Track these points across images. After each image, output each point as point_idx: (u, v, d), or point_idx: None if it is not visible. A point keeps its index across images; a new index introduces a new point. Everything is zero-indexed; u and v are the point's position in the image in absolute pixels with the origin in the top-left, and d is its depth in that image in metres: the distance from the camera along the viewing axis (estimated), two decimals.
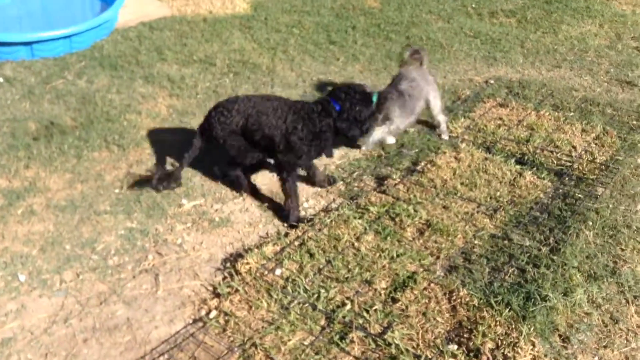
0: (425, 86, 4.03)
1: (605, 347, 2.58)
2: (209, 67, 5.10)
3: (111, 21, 5.59)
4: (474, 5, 6.81)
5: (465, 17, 6.46)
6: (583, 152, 3.92)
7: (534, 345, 2.50)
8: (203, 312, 2.77)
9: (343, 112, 3.32)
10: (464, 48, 5.71)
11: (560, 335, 2.61)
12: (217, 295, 2.86)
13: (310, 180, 3.65)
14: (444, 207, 3.42)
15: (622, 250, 3.14)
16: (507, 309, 2.67)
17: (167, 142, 4.02)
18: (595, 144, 4.02)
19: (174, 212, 3.44)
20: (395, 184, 3.63)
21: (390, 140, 4.07)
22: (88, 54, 5.22)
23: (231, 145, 3.42)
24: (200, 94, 4.66)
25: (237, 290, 2.85)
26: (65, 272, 2.95)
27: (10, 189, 3.48)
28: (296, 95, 4.72)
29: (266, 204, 3.54)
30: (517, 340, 2.51)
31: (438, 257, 3.07)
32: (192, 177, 3.73)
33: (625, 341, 2.61)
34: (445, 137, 4.13)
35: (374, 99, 3.42)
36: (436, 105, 4.10)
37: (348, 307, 2.75)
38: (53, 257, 3.02)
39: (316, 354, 2.53)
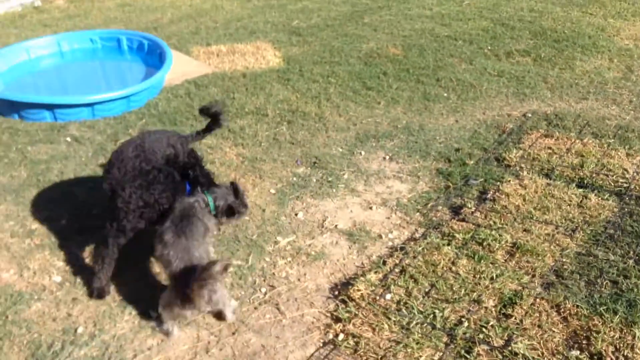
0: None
1: None
2: (262, 118, 5.39)
3: (161, 81, 5.89)
4: (489, 47, 7.25)
5: (485, 59, 6.88)
6: (635, 174, 4.23)
7: None
8: (330, 336, 2.96)
9: None
10: (493, 86, 6.09)
11: None
12: (338, 320, 3.05)
13: None
14: (524, 230, 3.68)
15: None
16: (616, 316, 2.90)
17: (248, 185, 4.25)
18: None
19: (272, 249, 3.65)
20: (472, 212, 3.88)
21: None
22: (145, 111, 5.48)
23: None
24: (263, 142, 4.93)
25: (356, 315, 3.04)
26: None
27: None
28: (349, 139, 5.02)
29: (355, 237, 3.75)
30: (633, 342, 2.74)
31: (534, 276, 3.30)
32: (279, 216, 3.95)
33: None
34: None
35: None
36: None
37: (465, 324, 2.96)
38: None
39: None
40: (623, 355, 2.70)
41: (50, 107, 5.16)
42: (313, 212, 4.03)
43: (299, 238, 3.76)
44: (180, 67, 6.44)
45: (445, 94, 5.92)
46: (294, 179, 4.41)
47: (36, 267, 3.45)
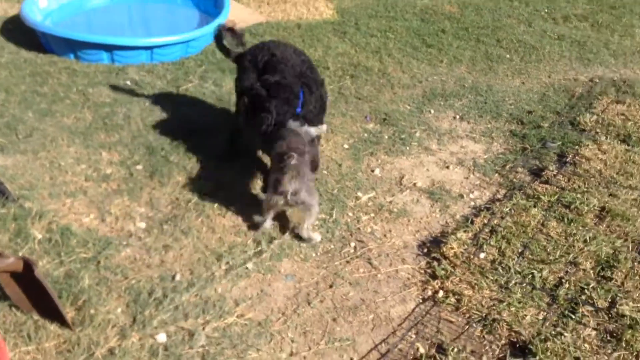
0: None
1: None
2: (324, 71, 5.26)
3: None
4: (546, 10, 7.07)
5: (543, 21, 6.71)
6: None
7: None
8: (429, 293, 2.92)
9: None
10: (555, 50, 5.94)
11: None
12: (434, 277, 3.01)
13: None
14: (610, 195, 3.62)
15: None
16: None
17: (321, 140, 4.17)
18: None
19: (354, 205, 3.59)
20: (555, 175, 3.81)
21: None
22: (203, 58, 5.36)
23: None
24: (329, 96, 4.80)
25: (452, 273, 3.01)
26: (284, 259, 3.08)
27: (195, 184, 3.61)
28: (416, 96, 4.91)
29: (437, 196, 3.69)
30: None
31: (626, 240, 3.25)
32: (356, 172, 3.88)
33: None
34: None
35: None
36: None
37: (566, 285, 2.92)
38: (265, 245, 3.16)
39: (555, 326, 2.69)
40: None
41: (109, 48, 5.04)
42: (389, 169, 3.97)
43: (378, 194, 3.70)
44: (232, 14, 6.25)
45: (508, 55, 5.79)
46: (365, 134, 4.32)
47: (117, 212, 3.39)
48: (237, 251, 3.09)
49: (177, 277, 2.89)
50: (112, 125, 4.24)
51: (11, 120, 4.23)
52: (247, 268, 2.99)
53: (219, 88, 4.86)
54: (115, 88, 4.77)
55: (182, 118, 4.34)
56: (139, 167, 3.78)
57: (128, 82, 4.87)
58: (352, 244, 3.26)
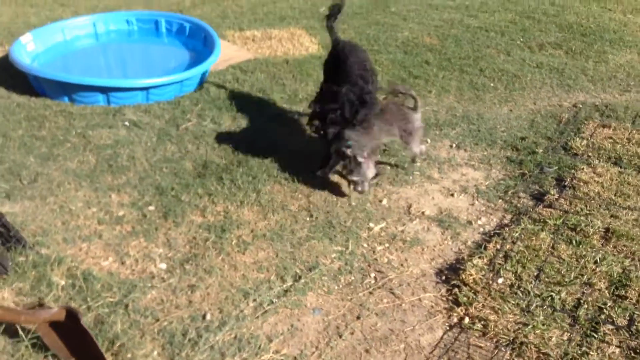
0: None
1: None
2: None
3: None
4: (521, 40, 7.35)
5: (520, 50, 6.97)
6: None
7: None
8: (454, 319, 3.00)
9: None
10: (536, 77, 6.18)
11: None
12: (457, 304, 3.09)
13: None
14: (612, 216, 3.77)
15: None
16: None
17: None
18: None
19: (367, 235, 3.66)
20: (557, 199, 3.96)
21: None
22: (198, 97, 5.42)
23: None
24: None
25: (474, 299, 3.09)
26: (309, 293, 3.12)
27: (210, 223, 3.63)
28: None
29: (446, 223, 3.79)
30: None
31: (633, 259, 3.39)
32: (364, 202, 3.96)
33: None
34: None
35: None
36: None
37: (585, 306, 3.03)
38: (289, 279, 3.20)
39: (580, 346, 2.79)
40: None
41: (105, 90, 5.06)
42: (396, 198, 4.06)
43: (389, 224, 3.78)
44: (222, 51, 6.35)
45: (492, 84, 5.99)
46: None
47: (136, 254, 3.39)
48: (262, 288, 3.12)
49: (208, 317, 2.90)
50: (118, 167, 4.24)
51: (13, 166, 4.21)
52: (273, 303, 3.01)
53: (218, 126, 4.92)
54: (114, 130, 4.78)
55: (187, 157, 4.38)
56: (151, 207, 3.79)
57: (127, 123, 4.89)
58: (372, 275, 3.32)
